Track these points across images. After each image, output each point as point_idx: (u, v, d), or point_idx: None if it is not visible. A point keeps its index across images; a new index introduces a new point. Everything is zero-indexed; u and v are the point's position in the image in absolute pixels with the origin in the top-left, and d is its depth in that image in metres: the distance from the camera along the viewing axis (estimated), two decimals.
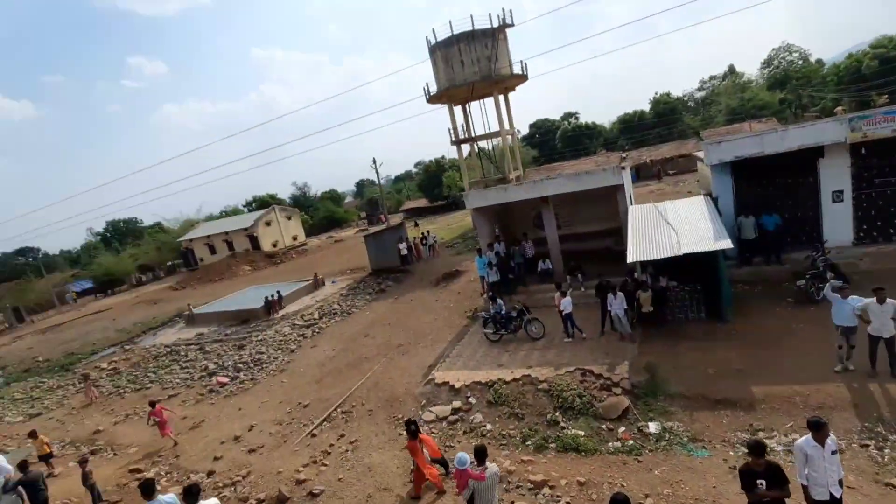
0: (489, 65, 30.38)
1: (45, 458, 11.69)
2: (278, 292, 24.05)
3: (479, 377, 10.93)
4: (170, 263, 52.94)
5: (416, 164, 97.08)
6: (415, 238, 28.86)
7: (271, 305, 23.10)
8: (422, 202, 62.64)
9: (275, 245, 49.85)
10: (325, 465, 9.45)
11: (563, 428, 8.90)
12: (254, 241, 49.55)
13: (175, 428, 12.40)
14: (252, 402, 13.63)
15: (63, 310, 41.68)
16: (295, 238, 52.26)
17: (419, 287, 21.13)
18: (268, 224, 50.91)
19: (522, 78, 32.89)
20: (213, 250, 50.54)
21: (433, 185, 59.27)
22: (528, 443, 8.77)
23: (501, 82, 31.81)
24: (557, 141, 69.94)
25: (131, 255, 51.25)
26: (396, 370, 12.96)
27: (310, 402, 12.58)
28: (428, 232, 29.98)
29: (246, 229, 49.90)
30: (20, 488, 8.89)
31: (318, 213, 68.30)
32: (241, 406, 13.49)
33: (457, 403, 10.45)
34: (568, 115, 75.99)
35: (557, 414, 9.26)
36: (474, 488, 6.16)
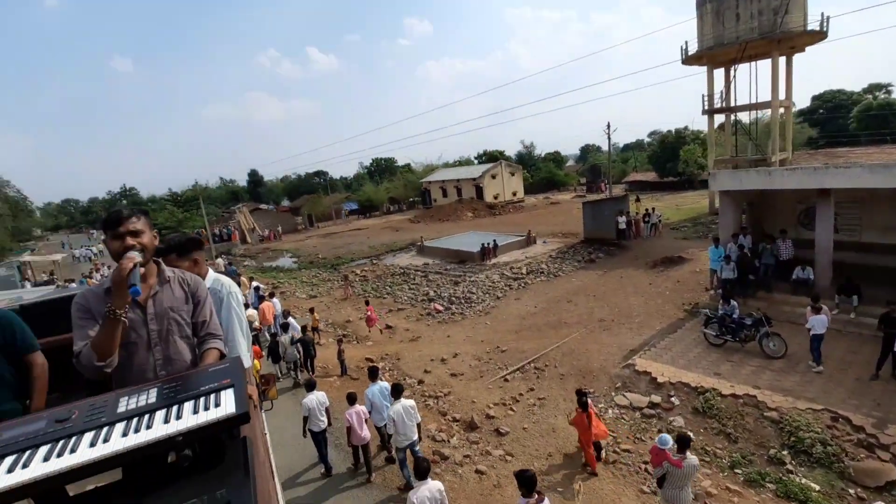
0: (774, 18, 24.34)
1: (315, 329, 15.27)
2: (494, 241, 25.40)
3: (688, 379, 9.63)
4: (411, 199, 61.03)
5: (650, 134, 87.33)
6: (636, 213, 26.45)
7: (486, 252, 24.61)
8: (650, 176, 56.50)
9: (496, 197, 52.45)
10: (513, 410, 9.87)
11: (789, 471, 7.24)
12: (479, 190, 53.05)
13: (400, 336, 14.66)
14: (459, 333, 15.04)
15: (337, 222, 52.78)
16: (514, 194, 53.85)
17: (632, 265, 19.50)
18: (493, 177, 53.68)
19: (818, 36, 25.42)
20: (444, 193, 56.19)
21: (667, 158, 52.53)
22: (738, 471, 7.44)
23: (787, 41, 25.24)
24: (851, 120, 53.28)
25: (386, 188, 60.93)
26: (594, 343, 12.44)
27: (507, 349, 13.17)
28: (653, 209, 27.06)
29: (474, 179, 53.64)
30: (299, 345, 11.87)
31: (539, 172, 68.43)
32: (449, 334, 15.04)
33: (656, 398, 9.49)
34: (875, 87, 56.61)
35: (785, 453, 7.54)
36: (668, 471, 5.80)
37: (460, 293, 19.11)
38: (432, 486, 5.32)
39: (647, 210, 26.69)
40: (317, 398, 7.95)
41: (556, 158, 77.90)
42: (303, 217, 53.23)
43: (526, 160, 73.30)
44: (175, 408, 1.61)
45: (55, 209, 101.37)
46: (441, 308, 17.55)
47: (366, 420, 7.73)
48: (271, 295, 16.38)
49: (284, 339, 11.85)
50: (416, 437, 7.12)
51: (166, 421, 1.55)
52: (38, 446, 1.49)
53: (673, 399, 9.31)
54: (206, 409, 1.58)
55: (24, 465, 1.42)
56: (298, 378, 11.80)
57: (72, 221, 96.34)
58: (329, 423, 8.14)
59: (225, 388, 1.67)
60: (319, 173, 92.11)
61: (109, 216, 2.04)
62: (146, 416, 1.58)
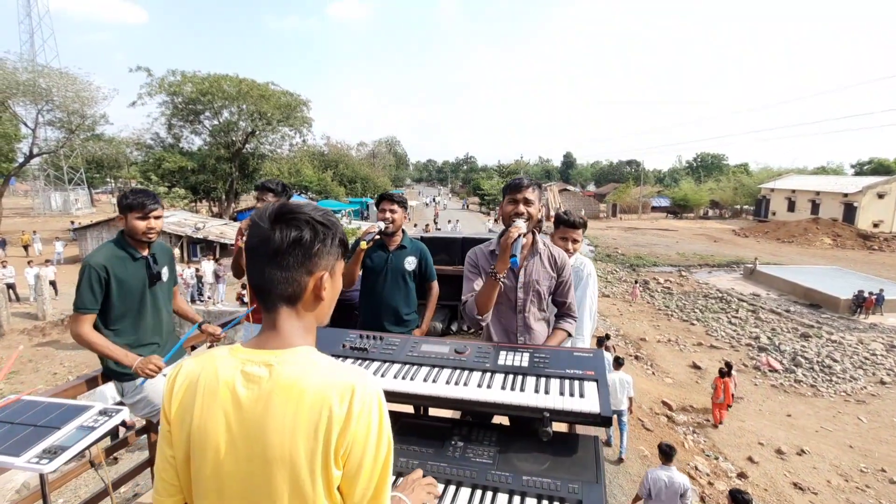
0: None
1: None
2: (881, 291, 16.82)
3: None
4: (739, 206, 49.24)
5: None
6: None
7: (863, 303, 16.55)
8: None
9: (876, 226, 36.45)
10: None
11: None
12: (849, 211, 37.95)
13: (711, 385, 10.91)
14: (806, 417, 10.11)
15: (643, 217, 47.62)
16: None
17: None
18: (880, 196, 37.34)
19: None
20: (791, 207, 42.63)
21: None
22: None
23: None
24: None
25: (710, 188, 50.77)
26: None
27: None
28: None
29: (845, 195, 38.55)
30: None
31: None
32: (790, 412, 10.27)
33: None
34: None
35: None
36: None
37: (812, 353, 13.14)
38: None
39: None
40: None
41: None
42: (607, 205, 50.35)
43: None
44: (543, 380, 1.66)
45: (421, 166, 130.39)
46: (778, 367, 12.40)
47: None
48: None
49: None
50: (624, 407, 7.18)
51: (536, 391, 1.60)
52: (442, 367, 1.77)
53: None
54: (571, 395, 1.56)
55: (434, 381, 1.68)
56: None
57: (429, 177, 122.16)
58: None
59: (588, 379, 1.64)
60: (631, 162, 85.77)
61: (512, 182, 2.14)
62: (520, 378, 1.68)
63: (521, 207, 2.06)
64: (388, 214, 2.90)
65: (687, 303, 17.97)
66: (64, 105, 25.33)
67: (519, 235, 1.91)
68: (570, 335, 2.28)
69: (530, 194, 2.08)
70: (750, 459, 8.35)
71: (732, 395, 9.61)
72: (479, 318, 2.06)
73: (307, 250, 0.89)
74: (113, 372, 2.39)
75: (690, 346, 13.71)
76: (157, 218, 2.37)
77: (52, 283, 14.40)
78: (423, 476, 1.30)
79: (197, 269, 14.30)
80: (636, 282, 20.34)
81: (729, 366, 9.70)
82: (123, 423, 2.01)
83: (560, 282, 2.24)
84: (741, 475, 7.89)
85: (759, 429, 9.43)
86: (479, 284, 2.14)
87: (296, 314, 0.92)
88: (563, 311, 2.29)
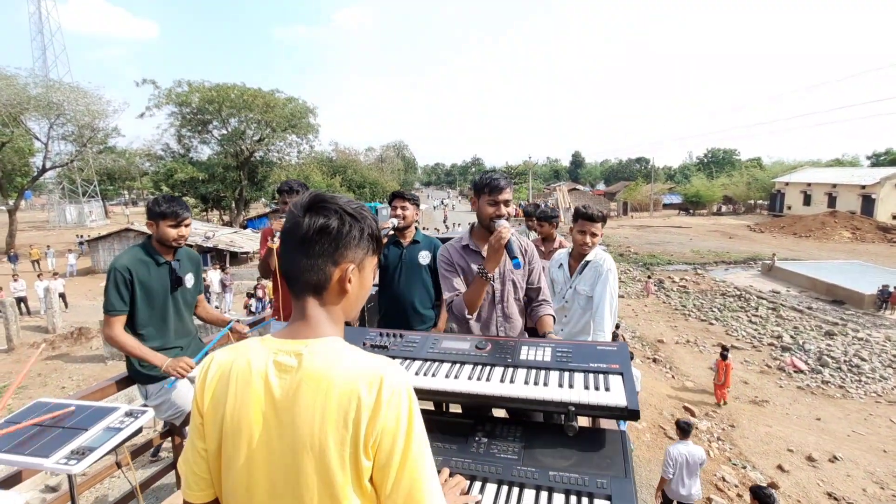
0: None
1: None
2: None
3: None
4: (752, 202, 48.23)
5: None
6: None
7: (887, 299, 15.90)
8: None
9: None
10: None
11: None
12: (868, 203, 37.00)
13: (734, 390, 10.47)
14: (836, 420, 9.60)
15: (654, 214, 46.84)
16: None
17: None
18: None
19: None
20: (807, 200, 41.65)
21: None
22: None
23: None
24: None
25: (722, 184, 49.77)
26: None
27: None
28: None
29: (863, 187, 37.62)
30: None
31: None
32: (819, 415, 9.77)
33: None
34: None
35: None
36: None
37: (838, 352, 12.58)
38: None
39: None
40: None
41: None
42: (617, 203, 49.67)
43: None
44: (567, 375, 1.63)
45: (429, 169, 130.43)
46: (803, 367, 11.88)
47: None
48: None
49: None
50: None
51: (560, 385, 1.59)
52: (463, 363, 1.75)
53: None
54: (597, 388, 1.55)
55: (456, 377, 1.68)
56: None
57: (438, 180, 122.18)
58: None
59: (613, 372, 1.62)
60: (640, 160, 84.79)
61: (491, 182, 2.07)
62: (543, 373, 1.66)
63: (503, 209, 2.05)
64: (399, 211, 3.04)
65: (704, 302, 17.43)
66: (75, 119, 25.66)
67: (510, 237, 1.93)
68: (554, 317, 2.34)
69: (508, 195, 2.08)
70: (780, 468, 7.91)
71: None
72: (469, 316, 2.10)
73: (333, 239, 0.90)
74: (138, 374, 2.43)
75: (710, 346, 13.22)
76: (187, 226, 2.46)
77: (62, 296, 14.40)
78: (451, 475, 1.32)
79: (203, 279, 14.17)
80: (649, 277, 20.02)
81: (726, 349, 10.03)
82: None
83: (531, 269, 2.29)
84: (772, 485, 7.46)
85: (788, 434, 8.97)
86: (457, 281, 2.16)
87: (322, 305, 0.93)
88: (539, 298, 2.34)
